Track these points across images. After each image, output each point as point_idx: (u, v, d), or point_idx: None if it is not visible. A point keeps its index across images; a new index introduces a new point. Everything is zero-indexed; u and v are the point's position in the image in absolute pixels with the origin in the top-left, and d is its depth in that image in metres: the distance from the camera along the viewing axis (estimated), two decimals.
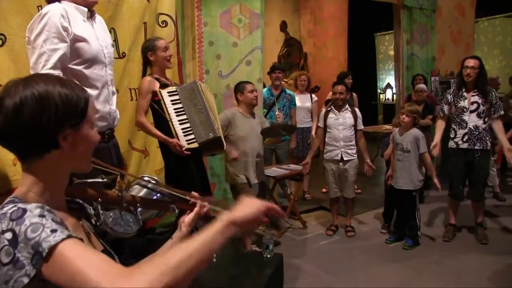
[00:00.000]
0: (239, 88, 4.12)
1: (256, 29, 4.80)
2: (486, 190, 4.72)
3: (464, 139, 4.36)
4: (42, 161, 1.07)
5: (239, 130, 4.03)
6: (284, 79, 8.35)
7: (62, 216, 1.05)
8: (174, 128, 3.20)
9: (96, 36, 2.53)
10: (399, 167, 4.37)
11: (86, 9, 2.49)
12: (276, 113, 5.16)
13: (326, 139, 4.71)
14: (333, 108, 4.70)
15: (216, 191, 4.80)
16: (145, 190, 1.51)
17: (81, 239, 0.99)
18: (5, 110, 1.01)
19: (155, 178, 1.62)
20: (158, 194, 1.52)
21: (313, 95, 6.07)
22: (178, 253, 0.96)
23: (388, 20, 7.07)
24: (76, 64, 2.41)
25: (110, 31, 3.83)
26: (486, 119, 4.34)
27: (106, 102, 2.60)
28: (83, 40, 2.41)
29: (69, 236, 0.93)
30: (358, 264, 4.08)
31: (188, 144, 3.18)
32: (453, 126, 4.48)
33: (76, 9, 2.44)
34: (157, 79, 3.31)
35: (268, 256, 3.29)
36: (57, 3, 2.36)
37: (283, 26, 10.10)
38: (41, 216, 0.94)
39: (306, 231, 4.87)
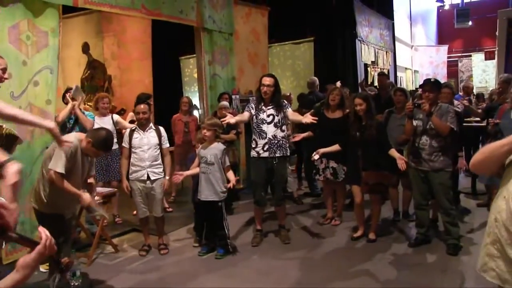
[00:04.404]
0: None
1: (45, 48, 4.48)
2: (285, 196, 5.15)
3: (265, 148, 4.69)
4: None
5: None
6: (88, 103, 7.99)
7: None
8: None
9: None
10: (203, 179, 4.48)
11: None
12: None
13: (132, 160, 4.58)
14: (138, 128, 4.63)
15: None
16: None
17: None
18: None
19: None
20: None
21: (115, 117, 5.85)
22: None
23: (192, 44, 7.27)
24: None
25: None
26: (283, 128, 4.75)
27: None
28: None
29: None
30: (172, 280, 4.04)
31: None
32: (254, 137, 4.78)
33: None
34: None
35: (76, 283, 3.10)
36: None
37: (85, 48, 9.72)
38: None
39: (118, 255, 4.64)
